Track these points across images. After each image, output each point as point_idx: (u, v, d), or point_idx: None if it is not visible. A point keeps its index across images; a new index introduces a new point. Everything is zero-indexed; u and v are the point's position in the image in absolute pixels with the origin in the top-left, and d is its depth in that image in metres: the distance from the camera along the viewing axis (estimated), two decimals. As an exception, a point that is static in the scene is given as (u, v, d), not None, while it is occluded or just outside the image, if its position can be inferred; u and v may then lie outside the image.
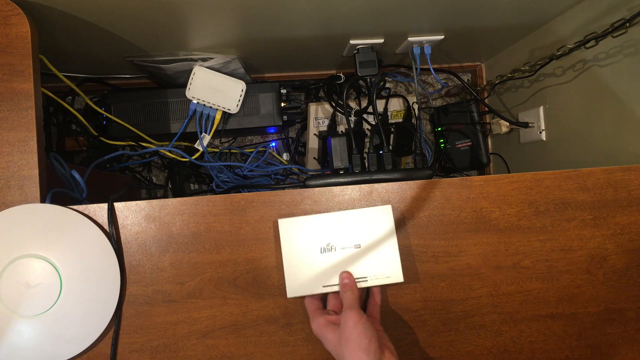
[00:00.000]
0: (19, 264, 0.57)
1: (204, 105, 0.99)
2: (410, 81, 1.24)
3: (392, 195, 0.65)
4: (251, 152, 1.14)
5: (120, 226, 0.61)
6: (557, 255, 0.65)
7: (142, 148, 1.02)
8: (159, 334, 0.61)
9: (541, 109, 1.00)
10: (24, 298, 0.56)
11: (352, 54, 0.98)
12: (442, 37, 0.94)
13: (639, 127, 0.75)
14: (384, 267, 0.61)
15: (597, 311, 0.66)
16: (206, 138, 1.00)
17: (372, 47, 0.94)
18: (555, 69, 0.93)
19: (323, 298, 0.62)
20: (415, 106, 1.15)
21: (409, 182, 0.65)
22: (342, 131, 1.13)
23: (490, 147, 1.25)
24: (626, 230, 0.66)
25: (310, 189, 0.64)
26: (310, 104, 1.16)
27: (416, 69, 1.01)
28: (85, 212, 0.60)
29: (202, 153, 1.01)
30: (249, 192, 0.87)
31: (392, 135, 1.16)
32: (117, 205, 0.61)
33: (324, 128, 1.15)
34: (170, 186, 1.22)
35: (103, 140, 1.01)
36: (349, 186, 0.64)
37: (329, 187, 0.64)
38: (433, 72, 0.99)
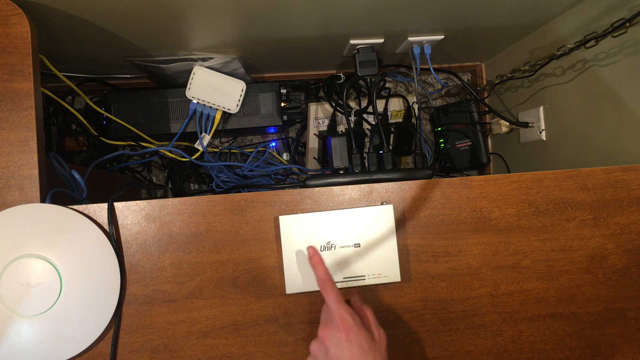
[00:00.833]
0: (19, 264, 0.57)
1: (204, 105, 0.99)
2: (410, 81, 1.24)
3: (392, 195, 0.65)
4: (251, 152, 1.14)
5: (120, 226, 0.61)
6: (557, 255, 0.65)
7: (142, 148, 1.02)
8: (159, 334, 0.61)
9: (541, 109, 1.00)
10: (24, 298, 0.56)
11: (352, 54, 0.98)
12: (442, 37, 0.94)
13: (639, 127, 0.75)
14: (382, 267, 0.62)
15: (597, 311, 0.66)
16: (206, 138, 1.00)
17: (372, 47, 0.94)
18: (555, 69, 0.93)
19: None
20: (415, 106, 1.15)
21: (409, 182, 0.65)
22: (342, 131, 1.13)
23: (490, 147, 1.25)
24: (626, 230, 0.66)
25: (310, 188, 0.64)
26: (310, 104, 1.16)
27: (416, 69, 1.01)
28: (85, 212, 0.60)
29: (202, 153, 1.01)
30: (249, 192, 0.87)
31: (392, 135, 1.16)
32: (117, 205, 0.61)
33: (324, 128, 1.15)
34: (170, 186, 1.22)
35: (103, 140, 1.01)
36: (349, 186, 0.64)
37: (329, 187, 0.64)
38: (433, 72, 0.99)
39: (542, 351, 0.65)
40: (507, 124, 1.12)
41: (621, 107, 0.78)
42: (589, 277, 0.66)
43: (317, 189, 0.64)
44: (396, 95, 1.18)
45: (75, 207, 0.60)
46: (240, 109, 1.01)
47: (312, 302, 0.63)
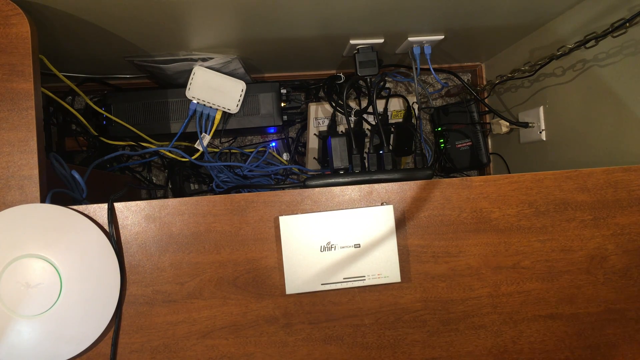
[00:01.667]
0: (19, 264, 0.57)
1: (204, 105, 0.99)
2: (410, 81, 1.24)
3: (392, 195, 0.65)
4: (251, 152, 1.14)
5: (120, 226, 0.61)
6: (557, 255, 0.65)
7: (142, 148, 1.02)
8: (159, 334, 0.61)
9: (541, 109, 1.00)
10: (24, 298, 0.56)
11: (352, 54, 0.98)
12: (442, 37, 0.94)
13: (639, 127, 0.75)
14: (382, 267, 0.62)
15: (597, 311, 0.66)
16: (206, 138, 1.00)
17: (372, 47, 0.94)
18: (555, 69, 0.93)
19: None
20: (415, 106, 1.15)
21: (409, 182, 0.65)
22: (342, 131, 1.13)
23: (490, 147, 1.25)
24: (626, 231, 0.66)
25: (310, 189, 0.64)
26: (310, 104, 1.16)
27: (416, 69, 1.01)
28: (85, 212, 0.60)
29: (202, 153, 1.01)
30: (249, 192, 0.87)
31: (392, 135, 1.16)
32: (117, 206, 0.61)
33: (324, 128, 1.15)
34: (170, 186, 1.22)
35: (103, 140, 1.01)
36: (349, 186, 0.64)
37: (329, 188, 0.64)
38: (433, 72, 0.99)
39: (542, 352, 0.65)
40: (507, 124, 1.12)
41: (621, 107, 0.78)
42: (589, 278, 0.66)
43: (317, 189, 0.64)
44: (396, 95, 1.18)
45: (75, 207, 0.60)
46: (240, 109, 1.01)
47: (312, 303, 0.63)
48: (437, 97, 1.30)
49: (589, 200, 0.66)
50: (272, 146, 1.24)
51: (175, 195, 1.20)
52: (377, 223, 0.62)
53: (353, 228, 0.62)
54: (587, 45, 0.78)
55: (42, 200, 0.60)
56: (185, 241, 0.62)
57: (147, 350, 0.60)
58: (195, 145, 1.02)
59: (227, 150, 1.20)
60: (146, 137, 1.01)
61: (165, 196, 1.23)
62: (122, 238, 0.61)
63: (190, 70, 0.97)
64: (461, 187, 0.65)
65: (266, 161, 1.13)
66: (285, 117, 1.08)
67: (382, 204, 0.63)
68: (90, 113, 1.06)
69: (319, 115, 1.15)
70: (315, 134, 1.15)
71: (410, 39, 0.94)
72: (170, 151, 1.00)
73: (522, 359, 0.65)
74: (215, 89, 0.98)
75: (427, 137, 1.27)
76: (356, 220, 0.62)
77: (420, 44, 0.97)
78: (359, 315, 0.63)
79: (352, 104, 1.18)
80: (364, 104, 1.15)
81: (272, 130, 1.19)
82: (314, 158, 1.16)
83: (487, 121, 1.24)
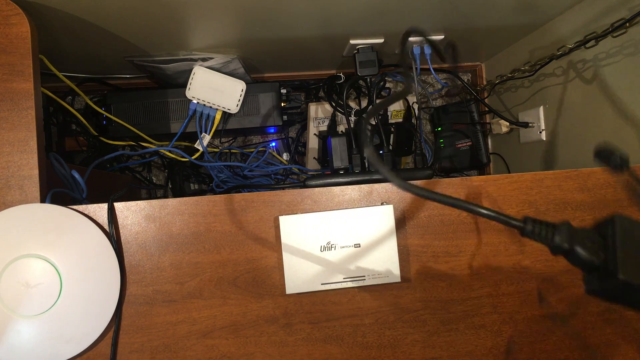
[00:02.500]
0: (19, 264, 0.57)
1: (204, 105, 0.99)
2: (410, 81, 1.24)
3: (392, 195, 0.65)
4: (251, 152, 1.14)
5: (120, 226, 0.61)
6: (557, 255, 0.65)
7: (142, 148, 1.02)
8: (159, 334, 0.61)
9: (541, 109, 1.00)
10: (24, 298, 0.56)
11: (352, 54, 0.98)
12: (442, 37, 0.94)
13: (639, 127, 0.75)
14: (382, 267, 0.61)
15: (597, 311, 0.66)
16: (206, 138, 1.00)
17: (372, 47, 0.94)
18: (555, 69, 0.93)
19: None
20: (415, 106, 1.15)
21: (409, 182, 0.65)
22: (342, 131, 1.13)
23: (490, 147, 1.25)
24: (626, 230, 0.66)
25: (310, 189, 0.64)
26: (310, 104, 1.16)
27: (416, 68, 1.01)
28: (85, 212, 0.60)
29: (202, 153, 1.01)
30: (249, 192, 0.87)
31: (392, 135, 1.16)
32: (117, 205, 0.61)
33: (324, 128, 1.15)
34: (170, 186, 1.22)
35: (103, 140, 1.01)
36: (349, 186, 0.64)
37: (329, 187, 0.64)
38: (433, 72, 0.99)
39: (542, 351, 0.65)
40: (507, 124, 1.12)
41: (621, 107, 0.78)
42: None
43: (317, 189, 0.64)
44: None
45: (75, 207, 0.60)
46: (240, 109, 1.01)
47: (312, 302, 0.63)
48: (437, 97, 1.30)
49: (589, 200, 0.66)
50: (272, 146, 1.24)
51: (175, 195, 1.20)
52: (377, 223, 0.62)
53: (353, 228, 0.62)
54: (587, 45, 0.78)
55: (42, 200, 0.60)
56: (185, 241, 0.62)
57: (147, 350, 0.60)
58: (195, 145, 1.02)
59: (227, 150, 1.20)
60: (146, 137, 1.01)
61: (165, 196, 1.23)
62: (122, 238, 0.61)
63: (190, 70, 0.97)
64: (461, 187, 0.65)
65: (266, 161, 1.13)
66: (285, 117, 1.08)
67: (382, 204, 0.63)
68: (90, 113, 1.06)
69: (319, 115, 1.15)
70: (315, 134, 1.15)
71: (410, 38, 0.94)
72: (170, 151, 1.00)
73: (522, 358, 0.65)
74: (215, 89, 0.98)
75: (427, 137, 1.27)
76: (356, 220, 0.62)
77: (420, 44, 0.97)
78: (359, 315, 0.63)
79: (352, 104, 1.18)
80: (364, 104, 1.15)
81: (272, 130, 1.19)
82: (314, 158, 1.16)
83: (487, 121, 1.24)
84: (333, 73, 1.17)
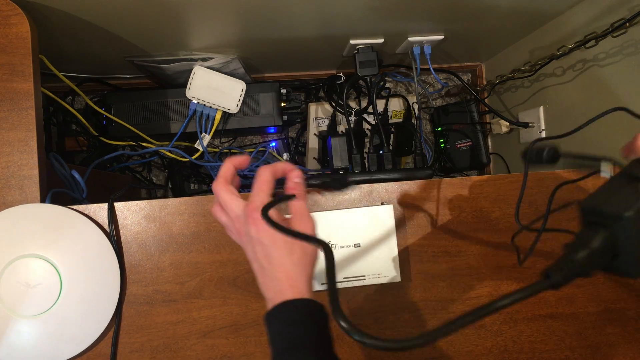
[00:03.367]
0: (19, 264, 0.57)
1: (204, 105, 0.99)
2: (410, 81, 1.24)
3: (392, 195, 0.65)
4: (251, 152, 1.14)
5: (120, 226, 0.61)
6: (557, 254, 0.65)
7: (142, 148, 1.02)
8: (159, 334, 0.61)
9: (541, 109, 1.00)
10: (24, 298, 0.56)
11: (352, 54, 0.98)
12: (442, 37, 0.94)
13: (638, 127, 0.75)
14: (382, 267, 0.61)
15: (597, 311, 0.66)
16: (206, 138, 1.00)
17: (372, 47, 0.94)
18: (555, 69, 0.93)
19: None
20: (415, 106, 1.15)
21: (409, 182, 0.65)
22: (342, 131, 1.13)
23: (490, 147, 1.25)
24: (626, 230, 0.66)
25: (310, 188, 0.64)
26: (310, 104, 1.16)
27: (416, 69, 1.01)
28: (85, 212, 0.60)
29: (202, 153, 1.01)
30: (249, 192, 0.87)
31: (392, 135, 1.16)
32: (117, 205, 0.61)
33: (324, 128, 1.15)
34: (170, 186, 1.22)
35: (103, 140, 1.01)
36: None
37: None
38: (433, 72, 0.99)
39: (542, 351, 0.65)
40: (507, 124, 1.12)
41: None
42: (589, 277, 0.66)
43: (316, 188, 0.64)
44: (396, 95, 1.18)
45: (75, 207, 0.60)
46: (240, 109, 1.01)
47: (312, 302, 0.62)
48: (437, 97, 1.30)
49: (589, 200, 0.66)
50: (272, 146, 1.24)
51: (175, 195, 1.20)
52: (377, 222, 0.62)
53: (353, 227, 0.62)
54: (587, 45, 0.78)
55: (42, 200, 0.60)
56: (185, 241, 0.62)
57: (147, 350, 0.60)
58: (195, 145, 1.02)
59: (227, 150, 1.20)
60: (146, 137, 1.01)
61: (165, 196, 1.23)
62: (122, 238, 0.61)
63: (190, 70, 0.97)
64: (461, 187, 0.65)
65: (266, 161, 1.13)
66: (285, 117, 1.08)
67: (382, 204, 0.63)
68: (90, 113, 1.06)
69: (319, 115, 1.15)
70: (315, 134, 1.15)
71: (410, 39, 0.94)
72: (170, 151, 1.00)
73: (522, 358, 0.65)
74: (215, 89, 0.98)
75: (427, 137, 1.27)
76: (356, 220, 0.62)
77: (420, 44, 0.97)
78: (359, 315, 0.63)
79: (352, 104, 1.18)
80: (364, 104, 1.15)
81: (272, 130, 1.19)
82: (314, 158, 1.16)
83: (487, 121, 1.24)
84: (333, 73, 1.17)
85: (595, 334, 0.66)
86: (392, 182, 0.65)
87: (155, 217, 0.61)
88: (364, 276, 0.61)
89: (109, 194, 0.63)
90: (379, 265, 0.61)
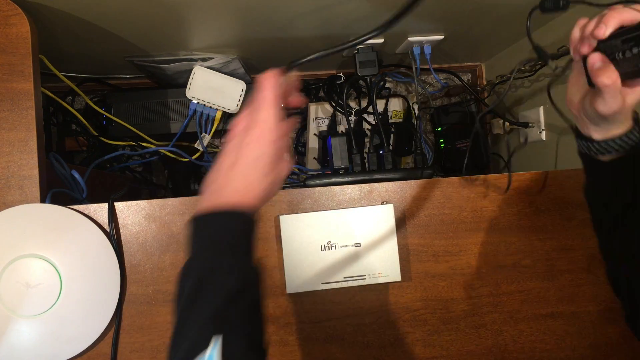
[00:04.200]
0: (19, 264, 0.57)
1: (204, 105, 0.99)
2: (410, 81, 1.24)
3: (392, 194, 0.65)
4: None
5: (120, 226, 0.61)
6: (557, 254, 0.65)
7: (142, 148, 1.02)
8: (159, 334, 0.61)
9: (541, 109, 1.00)
10: (24, 298, 0.56)
11: (352, 54, 0.97)
12: (442, 37, 0.94)
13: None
14: (382, 266, 0.61)
15: (598, 310, 0.66)
16: (206, 138, 1.00)
17: (372, 47, 0.94)
18: (555, 69, 0.93)
19: None
20: (415, 106, 1.15)
21: (409, 181, 0.65)
22: (342, 131, 1.13)
23: (490, 147, 1.25)
24: (626, 230, 0.66)
25: (310, 188, 0.64)
26: (310, 104, 1.16)
27: (416, 69, 1.01)
28: (85, 212, 0.60)
29: (202, 153, 1.01)
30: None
31: (392, 135, 1.16)
32: (118, 205, 0.61)
33: (324, 128, 1.15)
34: (170, 186, 1.22)
35: (103, 140, 1.01)
36: (349, 186, 0.64)
37: (329, 187, 0.64)
38: (433, 72, 0.99)
39: (543, 351, 0.65)
40: (507, 124, 1.12)
41: (621, 106, 0.78)
42: (590, 277, 0.66)
43: (317, 188, 0.64)
44: (396, 95, 1.18)
45: (75, 207, 0.60)
46: (240, 109, 1.01)
47: (313, 302, 0.62)
48: (437, 97, 1.30)
49: (589, 200, 0.66)
50: (272, 146, 1.23)
51: (175, 195, 1.20)
52: (377, 222, 0.62)
53: (353, 227, 0.62)
54: (587, 44, 0.78)
55: (42, 200, 0.60)
56: (185, 240, 0.62)
57: (148, 350, 0.60)
58: (195, 145, 1.02)
59: (227, 151, 1.19)
60: (146, 137, 1.01)
61: (165, 196, 1.23)
62: (123, 238, 0.61)
63: (190, 70, 0.97)
64: (461, 186, 0.65)
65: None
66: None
67: (382, 203, 0.63)
68: (90, 113, 1.06)
69: (319, 115, 1.15)
70: (315, 134, 1.15)
71: (410, 39, 0.94)
72: (170, 151, 1.00)
73: (522, 358, 0.64)
74: (215, 89, 0.98)
75: (427, 137, 1.27)
76: (356, 220, 0.62)
77: (420, 44, 0.97)
78: (359, 315, 0.63)
79: (352, 104, 1.18)
80: (364, 104, 1.15)
81: (272, 130, 1.19)
82: (314, 158, 1.16)
83: (487, 121, 1.24)
84: (333, 73, 1.17)
85: (596, 333, 0.65)
86: (392, 182, 0.65)
87: (156, 217, 0.61)
88: (364, 276, 0.61)
89: (109, 194, 0.63)
90: (380, 265, 0.61)
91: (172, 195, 1.21)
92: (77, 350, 0.58)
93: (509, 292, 0.65)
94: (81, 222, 0.59)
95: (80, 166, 1.02)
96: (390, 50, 1.03)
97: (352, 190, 0.64)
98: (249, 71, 1.05)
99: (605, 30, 0.43)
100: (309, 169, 1.15)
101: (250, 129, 0.43)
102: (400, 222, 0.64)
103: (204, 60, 0.96)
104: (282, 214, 0.62)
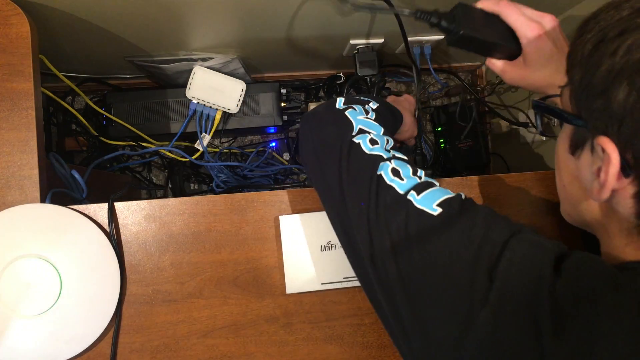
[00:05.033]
0: (19, 264, 0.57)
1: (204, 105, 0.99)
2: (410, 81, 1.24)
3: (392, 194, 0.65)
4: (251, 152, 1.14)
5: (120, 226, 0.61)
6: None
7: (142, 148, 1.02)
8: (159, 334, 0.61)
9: (541, 108, 1.00)
10: (24, 298, 0.56)
11: (352, 54, 0.98)
12: (442, 37, 0.94)
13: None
14: (384, 267, 0.61)
15: (598, 311, 0.66)
16: (206, 138, 1.00)
17: (372, 47, 0.94)
18: (555, 68, 0.93)
19: None
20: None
21: (409, 181, 0.65)
22: (342, 131, 1.13)
23: (490, 147, 1.25)
24: (626, 230, 0.66)
25: (310, 188, 0.64)
26: (310, 104, 1.16)
27: (416, 69, 1.01)
28: (85, 212, 0.60)
29: (202, 153, 1.01)
30: (249, 192, 0.87)
31: (392, 135, 1.16)
32: (117, 205, 0.61)
33: (324, 128, 1.15)
34: (170, 186, 1.22)
35: (103, 140, 1.01)
36: (349, 186, 0.64)
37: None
38: (433, 72, 0.99)
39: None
40: (507, 124, 1.12)
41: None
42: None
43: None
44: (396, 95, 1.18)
45: (75, 207, 0.60)
46: (240, 109, 1.01)
47: (312, 302, 0.62)
48: (437, 97, 1.30)
49: (589, 200, 0.66)
50: (272, 146, 1.24)
51: (175, 195, 1.20)
52: (377, 222, 0.62)
53: (353, 227, 0.62)
54: (587, 44, 0.78)
55: (42, 200, 0.60)
56: (185, 241, 0.62)
57: (148, 350, 0.60)
58: (195, 145, 1.02)
59: (227, 150, 1.20)
60: (146, 137, 1.01)
61: (165, 196, 1.23)
62: (122, 238, 0.61)
63: (190, 70, 0.97)
64: (461, 187, 0.65)
65: (266, 161, 1.13)
66: (285, 117, 1.08)
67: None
68: (90, 113, 1.06)
69: (319, 115, 1.15)
70: (315, 134, 1.15)
71: (410, 38, 0.94)
72: (170, 151, 1.00)
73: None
74: (215, 89, 0.98)
75: (427, 137, 1.27)
76: (356, 220, 0.62)
77: (420, 44, 0.97)
78: (359, 315, 0.63)
79: (352, 104, 1.17)
80: (364, 104, 1.15)
81: (272, 130, 1.19)
82: (314, 158, 1.16)
83: (487, 121, 1.24)
84: (333, 73, 1.17)
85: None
86: (392, 182, 0.65)
87: (156, 217, 0.62)
88: (364, 276, 0.61)
89: (109, 194, 0.63)
90: (379, 265, 0.61)
91: (172, 195, 1.21)
92: (77, 350, 0.58)
93: (509, 293, 0.65)
94: (81, 222, 0.59)
95: (80, 166, 1.02)
96: (390, 50, 1.03)
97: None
98: (249, 71, 1.05)
99: None
100: (309, 169, 1.15)
101: None
102: (400, 223, 0.64)
103: (203, 60, 0.96)
104: (282, 214, 0.62)
